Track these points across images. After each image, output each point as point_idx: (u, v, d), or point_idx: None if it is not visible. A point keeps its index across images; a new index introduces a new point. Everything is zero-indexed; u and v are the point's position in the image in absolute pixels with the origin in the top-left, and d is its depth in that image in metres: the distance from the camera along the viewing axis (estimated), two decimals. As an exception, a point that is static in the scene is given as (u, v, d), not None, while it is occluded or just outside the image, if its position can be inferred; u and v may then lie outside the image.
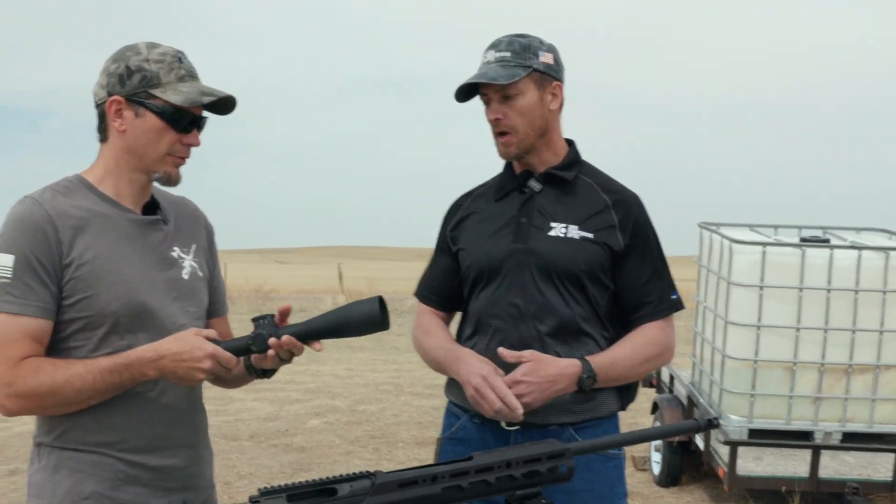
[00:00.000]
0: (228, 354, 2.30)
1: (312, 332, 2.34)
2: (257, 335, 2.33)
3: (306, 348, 2.36)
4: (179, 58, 2.40)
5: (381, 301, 2.29)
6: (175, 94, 2.35)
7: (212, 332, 2.33)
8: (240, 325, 2.59)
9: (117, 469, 2.37)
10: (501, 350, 2.73)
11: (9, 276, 2.27)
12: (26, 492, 2.45)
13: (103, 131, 2.43)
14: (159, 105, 2.35)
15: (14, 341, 2.27)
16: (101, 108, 2.41)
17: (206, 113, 2.44)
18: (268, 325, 2.34)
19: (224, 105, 2.45)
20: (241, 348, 2.34)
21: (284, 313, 2.37)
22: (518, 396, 2.66)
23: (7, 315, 2.27)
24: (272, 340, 2.32)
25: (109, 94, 2.37)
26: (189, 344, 2.28)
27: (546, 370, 2.69)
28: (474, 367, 2.74)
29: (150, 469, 2.41)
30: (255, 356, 2.41)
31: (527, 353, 2.71)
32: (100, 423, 2.35)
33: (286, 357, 2.37)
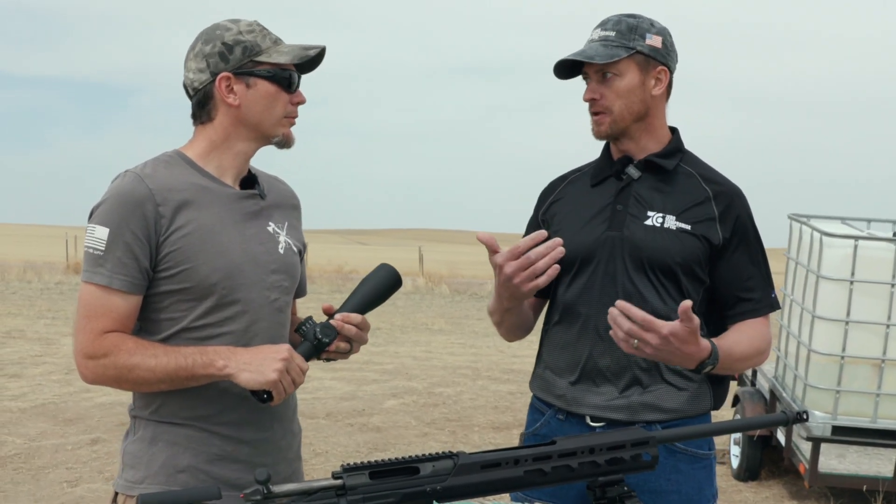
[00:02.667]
0: (300, 356, 2.36)
1: (361, 308, 2.49)
2: (324, 327, 2.41)
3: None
4: (262, 26, 2.44)
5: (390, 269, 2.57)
6: (280, 56, 2.40)
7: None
8: (317, 305, 2.63)
9: (213, 443, 2.39)
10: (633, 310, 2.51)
11: (102, 248, 2.30)
12: (119, 461, 2.48)
13: (207, 113, 2.43)
14: (269, 70, 2.40)
15: (100, 314, 2.30)
16: (203, 91, 2.42)
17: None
18: (314, 323, 2.43)
19: (312, 62, 2.50)
20: (311, 348, 2.41)
21: (328, 311, 2.48)
22: (643, 342, 2.45)
23: (96, 287, 2.31)
24: (337, 320, 2.43)
25: (214, 74, 2.39)
26: (265, 346, 2.35)
27: (687, 345, 2.48)
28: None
29: (245, 443, 2.42)
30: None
31: (676, 323, 2.47)
32: (196, 397, 2.37)
33: (355, 338, 2.46)
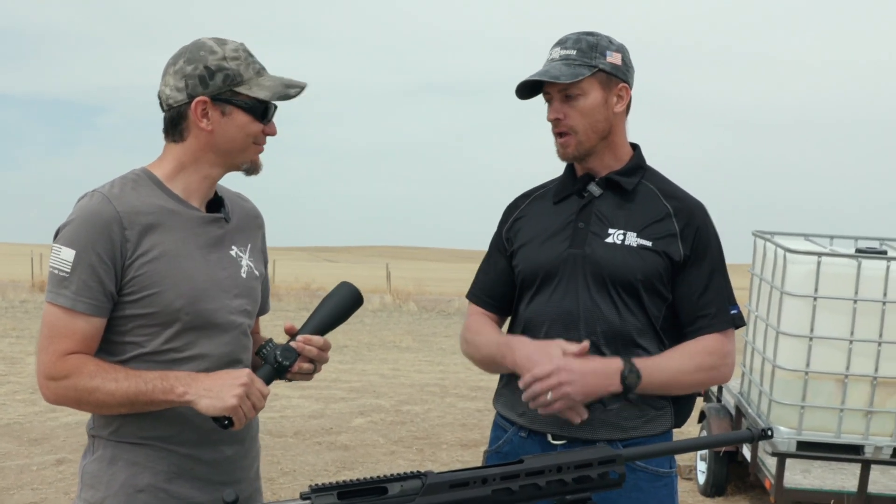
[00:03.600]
0: (261, 380, 2.35)
1: (323, 327, 2.48)
2: (284, 350, 2.41)
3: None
4: (248, 52, 2.43)
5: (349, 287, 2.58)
6: (261, 90, 2.38)
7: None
8: (286, 322, 2.63)
9: (171, 462, 2.39)
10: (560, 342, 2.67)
11: (67, 270, 2.29)
12: (78, 481, 2.47)
13: (180, 133, 2.42)
14: (247, 101, 2.38)
15: (63, 335, 2.29)
16: (177, 110, 2.40)
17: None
18: (274, 345, 2.42)
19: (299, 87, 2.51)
20: (271, 372, 2.40)
21: (290, 331, 2.48)
22: (559, 385, 2.56)
23: (60, 309, 2.30)
24: (298, 342, 2.43)
25: (191, 97, 2.37)
26: (225, 371, 2.34)
27: (588, 361, 2.61)
28: (532, 346, 2.69)
29: (204, 463, 2.42)
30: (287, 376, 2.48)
31: (587, 346, 2.65)
32: (155, 418, 2.36)
33: (316, 359, 2.46)
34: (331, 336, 2.52)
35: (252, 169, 2.48)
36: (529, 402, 2.63)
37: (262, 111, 2.41)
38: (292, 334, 2.46)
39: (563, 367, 2.57)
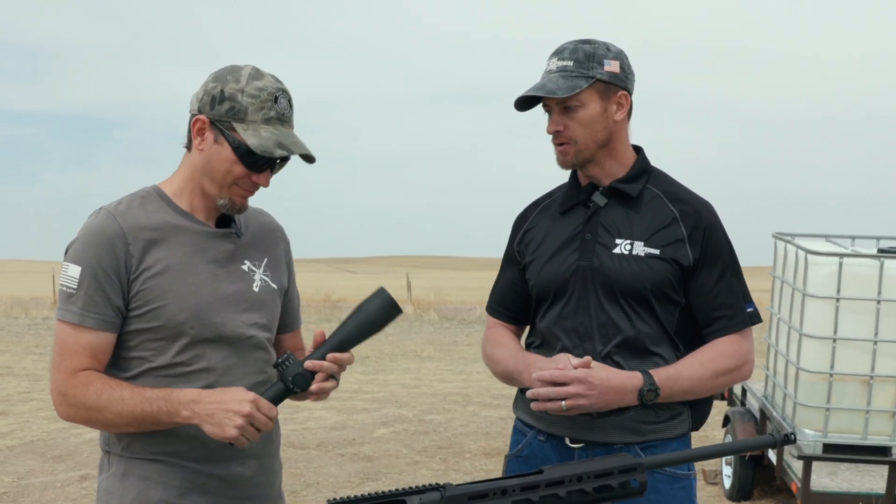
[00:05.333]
0: (267, 403, 2.31)
1: (346, 343, 2.38)
2: (297, 375, 2.35)
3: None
4: (276, 97, 2.37)
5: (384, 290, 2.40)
6: (252, 137, 2.34)
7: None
8: (307, 335, 2.59)
9: (184, 477, 2.39)
10: (567, 356, 2.68)
11: (74, 287, 2.31)
12: (96, 498, 2.47)
13: (189, 140, 2.44)
14: (237, 140, 2.35)
15: (73, 352, 2.31)
16: (190, 119, 2.42)
17: (295, 154, 2.42)
18: (293, 363, 2.36)
19: (304, 156, 2.44)
20: (281, 392, 2.36)
21: (318, 340, 2.40)
22: (575, 396, 2.58)
23: (69, 325, 2.32)
24: (313, 362, 2.36)
25: (199, 111, 2.38)
26: (231, 392, 2.29)
27: (609, 375, 2.63)
28: (542, 366, 2.68)
29: (217, 478, 2.41)
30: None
31: (593, 363, 2.66)
32: (166, 434, 2.37)
33: (335, 374, 2.39)
34: (317, 329, 2.46)
35: (230, 207, 2.44)
36: (533, 403, 2.65)
37: (249, 157, 2.36)
38: (316, 346, 2.40)
39: (584, 379, 2.59)
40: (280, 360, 2.37)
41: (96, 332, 2.32)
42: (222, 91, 2.35)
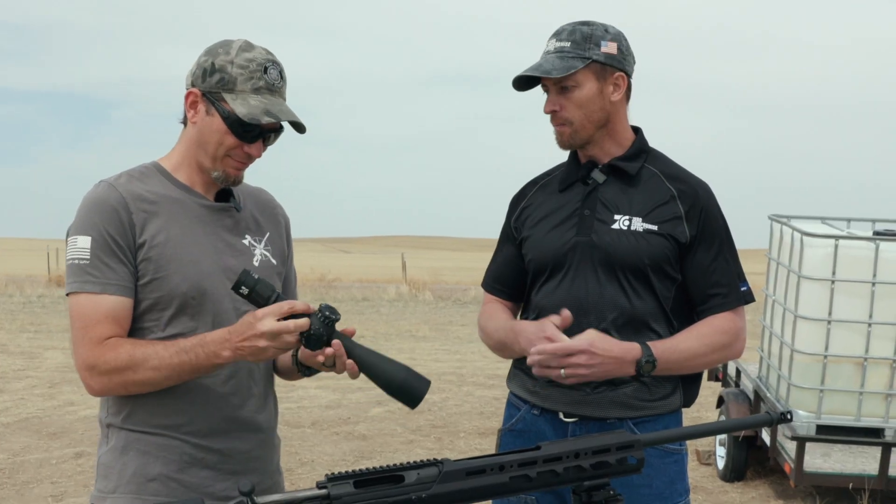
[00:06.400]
0: (276, 325, 2.17)
1: (358, 357, 2.24)
2: (317, 333, 2.19)
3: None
4: (266, 67, 2.37)
5: (427, 387, 2.26)
6: (241, 106, 2.34)
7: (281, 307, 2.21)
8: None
9: (183, 451, 2.39)
10: (565, 311, 2.69)
11: (87, 257, 2.30)
12: (95, 473, 2.47)
13: (186, 117, 2.44)
14: (226, 110, 2.36)
15: (97, 322, 2.30)
16: (186, 94, 2.42)
17: (285, 123, 2.41)
18: (327, 323, 2.21)
19: (294, 124, 2.42)
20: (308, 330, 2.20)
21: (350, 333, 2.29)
22: (575, 367, 2.61)
23: (89, 295, 2.30)
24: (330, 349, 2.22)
25: (192, 85, 2.39)
26: (245, 325, 2.21)
27: (609, 346, 2.65)
28: (531, 330, 2.70)
29: (216, 452, 2.42)
30: (304, 353, 2.33)
31: (589, 331, 2.67)
32: (165, 406, 2.37)
33: (330, 364, 2.28)
34: (346, 326, 2.31)
35: (224, 179, 2.44)
36: (534, 368, 2.67)
37: (240, 127, 2.36)
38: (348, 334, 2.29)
39: (588, 349, 2.61)
40: (321, 311, 2.21)
41: (118, 297, 2.30)
42: (213, 63, 2.36)
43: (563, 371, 2.62)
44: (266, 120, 2.34)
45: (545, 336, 2.64)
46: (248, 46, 2.38)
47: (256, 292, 2.21)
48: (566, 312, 2.68)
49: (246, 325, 2.21)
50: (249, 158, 2.43)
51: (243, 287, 2.21)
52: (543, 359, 2.63)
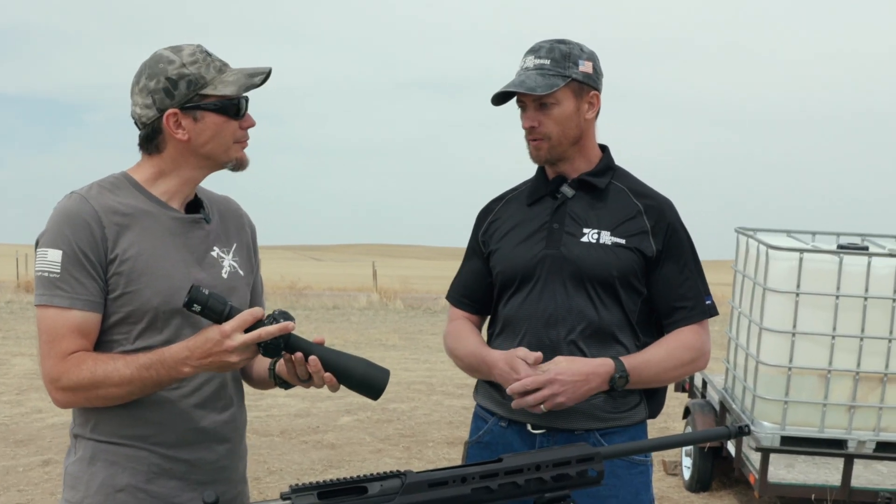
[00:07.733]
0: (245, 337, 2.20)
1: (320, 355, 2.25)
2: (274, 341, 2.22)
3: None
4: (206, 51, 2.43)
5: (387, 377, 2.33)
6: (226, 87, 2.39)
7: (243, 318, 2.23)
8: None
9: (151, 462, 2.40)
10: (528, 352, 2.74)
11: (58, 271, 2.30)
12: (62, 482, 2.48)
13: (156, 146, 2.43)
14: (216, 102, 2.39)
15: (63, 336, 2.31)
16: (152, 125, 2.41)
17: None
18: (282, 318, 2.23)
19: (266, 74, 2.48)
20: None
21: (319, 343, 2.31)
22: (552, 396, 2.66)
23: (57, 309, 2.31)
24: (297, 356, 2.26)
25: (161, 111, 2.39)
26: (206, 340, 2.22)
27: (579, 368, 2.70)
28: (502, 362, 2.76)
29: (183, 462, 2.43)
30: (280, 367, 2.38)
31: (558, 358, 2.73)
32: (132, 416, 2.38)
33: (306, 377, 2.31)
34: (318, 335, 2.34)
35: (238, 165, 2.49)
36: (512, 402, 2.73)
37: (233, 107, 2.41)
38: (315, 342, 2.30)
39: (554, 379, 2.67)
40: (273, 316, 2.24)
41: (86, 313, 2.31)
42: (167, 78, 2.37)
43: (542, 406, 2.68)
44: (258, 80, 2.41)
45: (515, 376, 2.71)
46: (176, 47, 2.42)
47: (209, 308, 2.21)
48: (539, 355, 2.72)
49: (212, 342, 2.22)
50: (247, 133, 2.48)
51: (195, 305, 2.20)
52: (522, 403, 2.70)
